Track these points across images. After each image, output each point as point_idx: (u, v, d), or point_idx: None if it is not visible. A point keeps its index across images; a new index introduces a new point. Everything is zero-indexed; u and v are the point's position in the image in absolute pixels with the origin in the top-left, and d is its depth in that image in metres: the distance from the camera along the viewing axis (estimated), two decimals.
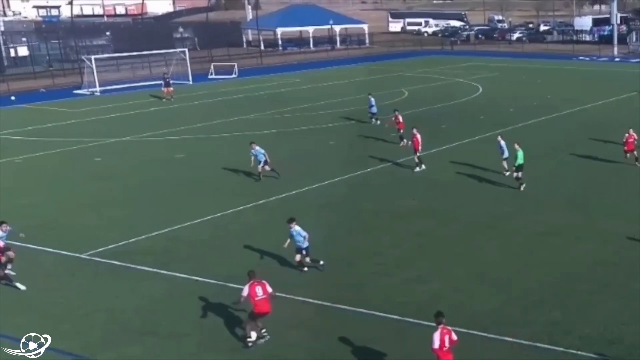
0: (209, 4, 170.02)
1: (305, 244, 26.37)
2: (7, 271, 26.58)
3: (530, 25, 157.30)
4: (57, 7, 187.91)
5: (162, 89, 70.94)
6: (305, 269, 26.60)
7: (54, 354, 20.69)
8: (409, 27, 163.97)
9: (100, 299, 24.62)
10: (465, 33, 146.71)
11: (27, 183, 40.08)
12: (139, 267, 27.09)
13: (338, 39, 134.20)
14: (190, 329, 22.20)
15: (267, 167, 39.07)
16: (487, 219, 32.23)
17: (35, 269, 27.34)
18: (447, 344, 18.19)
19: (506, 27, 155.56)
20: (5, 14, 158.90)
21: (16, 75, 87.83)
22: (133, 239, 29.93)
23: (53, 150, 47.46)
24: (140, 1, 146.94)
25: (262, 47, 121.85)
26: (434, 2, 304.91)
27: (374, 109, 54.68)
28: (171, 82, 72.42)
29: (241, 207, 34.29)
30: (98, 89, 75.64)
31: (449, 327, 18.28)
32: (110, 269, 27.13)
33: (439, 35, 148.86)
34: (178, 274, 26.32)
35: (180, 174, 41.09)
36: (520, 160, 35.64)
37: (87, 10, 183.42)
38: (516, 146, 36.16)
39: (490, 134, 47.77)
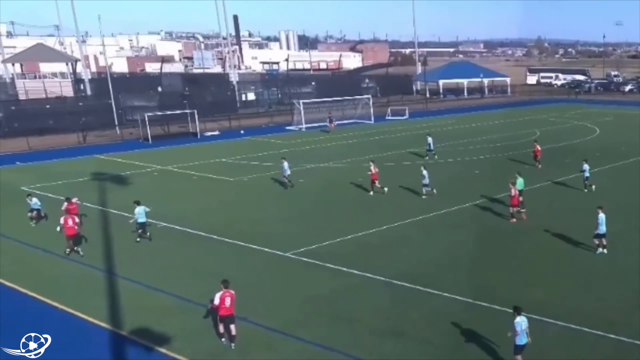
0: (388, 61, 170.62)
1: (143, 220, 30.15)
2: None
3: None
4: (277, 63, 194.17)
5: (328, 125, 74.54)
6: (139, 239, 30.21)
7: (254, 327, 21.24)
8: (542, 80, 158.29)
9: (296, 288, 25.04)
10: (588, 85, 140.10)
11: (247, 197, 41.30)
12: (327, 264, 27.33)
13: (486, 89, 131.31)
14: (363, 316, 22.18)
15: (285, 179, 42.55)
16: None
17: (250, 262, 28.14)
18: (227, 303, 19.42)
19: (621, 80, 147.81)
20: (240, 68, 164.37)
21: (245, 114, 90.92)
22: (324, 243, 30.23)
23: (268, 173, 48.58)
24: (338, 59, 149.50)
25: (428, 95, 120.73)
26: (563, 60, 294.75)
27: (431, 146, 53.07)
28: (333, 120, 76.11)
29: (408, 220, 34.09)
30: (304, 125, 77.19)
31: (232, 292, 19.78)
32: (305, 266, 27.53)
33: (566, 86, 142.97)
34: (356, 271, 26.37)
35: (359, 193, 41.35)
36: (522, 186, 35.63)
37: (299, 65, 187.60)
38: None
39: (608, 166, 46.40)
